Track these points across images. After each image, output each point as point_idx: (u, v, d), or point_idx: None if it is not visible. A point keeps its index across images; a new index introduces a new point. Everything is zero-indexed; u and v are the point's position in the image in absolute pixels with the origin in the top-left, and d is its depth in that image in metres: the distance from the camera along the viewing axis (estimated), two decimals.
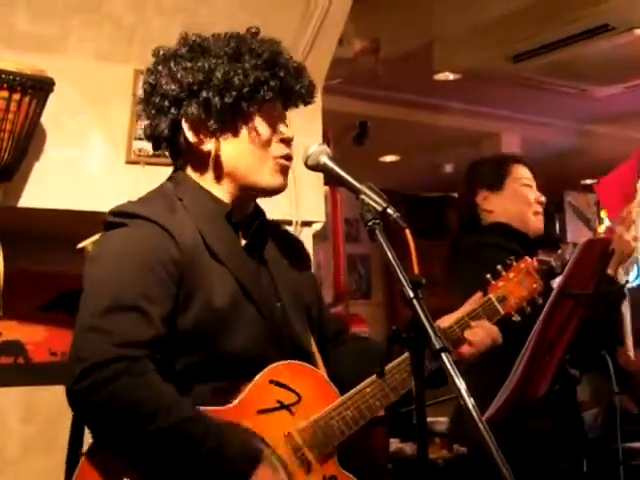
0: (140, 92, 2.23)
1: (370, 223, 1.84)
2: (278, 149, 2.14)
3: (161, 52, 2.15)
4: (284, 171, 2.16)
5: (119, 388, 1.83)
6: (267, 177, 2.13)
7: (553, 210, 9.67)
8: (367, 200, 1.88)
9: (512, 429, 2.64)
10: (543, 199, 3.31)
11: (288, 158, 2.16)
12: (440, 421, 5.30)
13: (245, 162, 2.12)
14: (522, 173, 3.34)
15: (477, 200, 3.33)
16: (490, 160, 3.49)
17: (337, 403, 2.09)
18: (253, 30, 2.16)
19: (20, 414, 3.70)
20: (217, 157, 2.13)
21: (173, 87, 2.08)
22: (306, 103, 2.23)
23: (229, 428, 1.94)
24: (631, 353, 3.19)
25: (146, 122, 2.18)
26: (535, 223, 3.29)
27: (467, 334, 2.19)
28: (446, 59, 6.51)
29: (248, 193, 2.17)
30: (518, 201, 3.28)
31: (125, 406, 1.84)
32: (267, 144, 2.12)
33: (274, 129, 2.14)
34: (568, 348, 2.71)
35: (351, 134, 5.22)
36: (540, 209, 3.31)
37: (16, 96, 2.94)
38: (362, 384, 2.11)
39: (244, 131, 2.11)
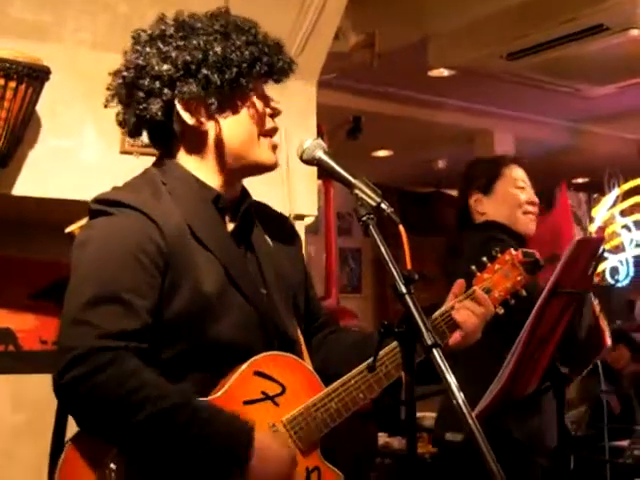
0: (116, 79, 2.14)
1: (364, 218, 1.85)
2: (269, 123, 2.14)
3: (144, 34, 2.11)
4: (274, 149, 2.16)
5: (105, 379, 1.83)
6: (264, 154, 2.13)
7: (544, 208, 9.70)
8: (361, 195, 1.88)
9: (495, 424, 2.65)
10: (535, 200, 3.31)
11: (275, 132, 2.16)
12: (427, 416, 5.33)
13: (243, 139, 2.11)
14: (514, 175, 3.34)
15: (470, 202, 3.34)
16: (483, 162, 3.51)
17: (321, 395, 2.08)
18: (225, 9, 2.14)
19: (10, 402, 3.70)
20: (216, 137, 2.10)
21: (167, 67, 2.03)
22: (285, 79, 2.18)
23: (217, 410, 1.94)
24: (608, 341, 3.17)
25: (120, 108, 2.12)
26: (524, 223, 3.28)
27: (454, 315, 2.14)
28: (441, 55, 6.52)
29: (242, 171, 2.15)
30: (508, 203, 3.29)
31: (112, 397, 1.84)
32: (262, 120, 2.12)
33: (266, 104, 2.14)
34: (558, 346, 2.73)
35: (345, 129, 5.23)
36: (531, 209, 3.30)
37: (12, 84, 2.94)
38: (346, 376, 2.09)
39: (243, 108, 2.10)
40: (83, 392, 1.83)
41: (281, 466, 1.97)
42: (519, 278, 2.27)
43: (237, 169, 2.14)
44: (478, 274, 2.27)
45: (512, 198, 3.28)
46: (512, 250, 2.28)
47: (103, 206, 2.02)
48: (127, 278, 1.93)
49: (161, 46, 2.06)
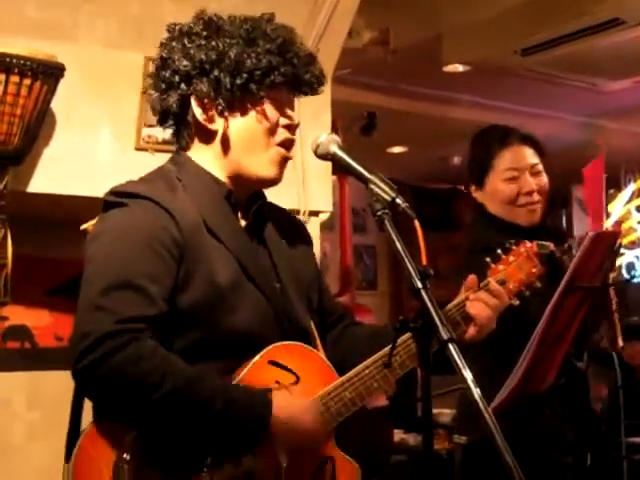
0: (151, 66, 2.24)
1: (379, 213, 1.85)
2: (282, 134, 2.14)
3: (177, 27, 2.17)
4: (282, 163, 2.16)
5: (122, 360, 1.85)
6: (264, 166, 2.14)
7: (560, 204, 9.67)
8: (376, 190, 1.89)
9: (517, 421, 2.65)
10: (530, 187, 3.06)
11: (290, 144, 2.17)
12: (444, 413, 5.32)
13: (250, 144, 2.13)
14: (504, 164, 3.10)
15: (471, 192, 3.23)
16: (476, 149, 3.24)
17: (336, 384, 2.09)
18: (267, 16, 2.17)
19: (25, 399, 3.72)
20: (223, 135, 2.14)
21: (185, 63, 2.09)
22: (314, 92, 2.23)
23: (236, 386, 1.97)
24: (619, 340, 3.12)
25: (154, 95, 2.18)
26: (523, 215, 3.08)
27: (468, 308, 2.16)
28: (455, 51, 6.49)
29: (241, 181, 2.17)
30: (499, 199, 3.10)
31: (130, 376, 1.86)
32: (273, 129, 2.13)
33: (281, 114, 2.15)
34: (574, 341, 2.71)
35: (359, 124, 5.22)
36: (529, 199, 3.08)
37: (27, 81, 2.96)
38: (360, 366, 2.10)
39: (252, 113, 2.12)
40: (101, 374, 1.85)
41: (305, 415, 2.00)
42: (534, 270, 2.28)
43: (240, 176, 2.16)
44: (493, 266, 2.27)
45: (502, 193, 3.08)
46: (527, 242, 2.28)
47: (118, 197, 2.06)
48: (142, 265, 1.96)
49: (186, 42, 2.12)
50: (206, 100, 2.11)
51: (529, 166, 3.10)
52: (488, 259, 2.27)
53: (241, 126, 2.13)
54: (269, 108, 2.13)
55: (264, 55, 2.08)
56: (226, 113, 2.12)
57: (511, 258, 2.28)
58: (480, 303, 2.16)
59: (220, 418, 1.89)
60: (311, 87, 2.20)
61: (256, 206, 2.21)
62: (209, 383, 1.93)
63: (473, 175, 3.19)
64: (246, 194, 2.21)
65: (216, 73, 2.08)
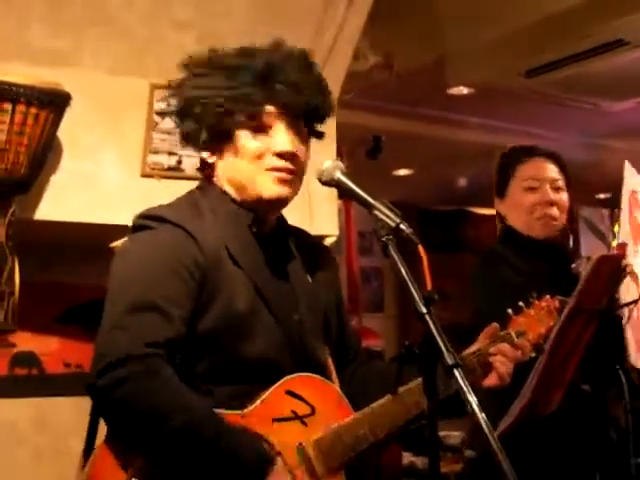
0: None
1: (383, 239, 1.86)
2: (271, 161, 2.13)
3: (188, 64, 2.19)
4: (281, 182, 2.14)
5: (136, 388, 1.86)
6: (264, 188, 2.14)
7: (567, 224, 9.66)
8: (380, 216, 1.89)
9: (524, 444, 2.64)
10: (550, 198, 3.07)
11: (283, 171, 2.14)
12: (452, 435, 5.31)
13: (240, 175, 2.15)
14: (526, 173, 3.13)
15: (495, 205, 3.25)
16: (502, 161, 3.28)
17: (350, 419, 2.11)
18: (277, 42, 2.18)
19: (33, 424, 3.72)
20: (221, 170, 2.18)
21: (177, 102, 2.17)
22: (319, 120, 2.22)
23: (241, 431, 1.96)
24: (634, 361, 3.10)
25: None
26: (539, 227, 3.09)
27: (492, 361, 2.22)
28: (459, 74, 6.52)
29: (253, 206, 2.17)
30: (519, 208, 3.11)
31: (141, 407, 1.87)
32: (259, 157, 2.13)
33: (267, 143, 2.13)
34: (580, 364, 2.71)
35: (365, 148, 5.23)
36: (547, 211, 3.08)
37: (33, 110, 2.97)
38: (376, 402, 2.13)
39: (235, 144, 2.13)
40: (117, 397, 1.87)
41: None
42: (552, 324, 2.35)
43: (247, 202, 2.17)
44: (514, 317, 2.32)
45: (521, 203, 3.10)
46: (549, 297, 2.36)
47: (146, 221, 2.10)
48: (165, 288, 1.99)
49: (185, 80, 2.17)
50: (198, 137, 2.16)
51: (550, 179, 3.12)
52: (510, 310, 2.30)
53: (229, 158, 2.16)
54: (249, 139, 2.12)
55: (239, 87, 2.10)
56: (214, 148, 2.16)
57: (532, 312, 2.36)
58: (503, 357, 2.23)
59: (219, 462, 1.90)
60: (297, 113, 2.16)
61: (278, 238, 2.23)
62: (218, 422, 1.93)
63: (497, 185, 3.22)
64: (269, 222, 2.22)
65: (197, 110, 2.12)
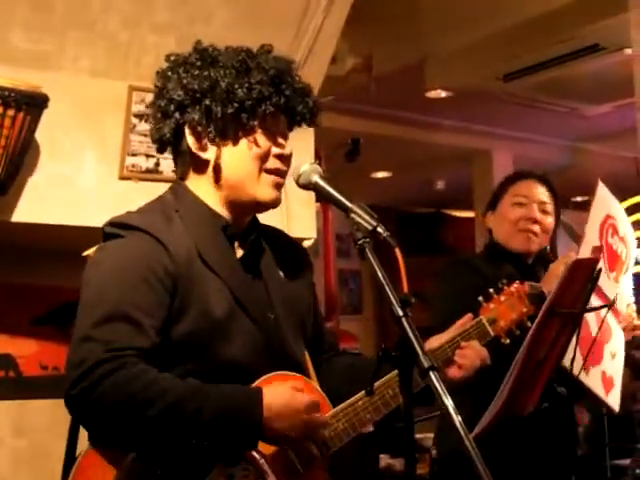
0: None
1: (360, 242, 1.87)
2: (273, 163, 2.16)
3: (173, 58, 2.20)
4: (277, 186, 2.18)
5: (113, 382, 1.86)
6: (261, 190, 2.15)
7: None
8: (357, 219, 1.90)
9: (498, 445, 2.66)
10: (534, 216, 3.19)
11: (281, 174, 2.18)
12: (429, 437, 5.31)
13: (242, 172, 2.15)
14: (517, 190, 3.26)
15: (485, 220, 3.34)
16: (500, 182, 3.41)
17: (329, 415, 2.12)
18: (266, 47, 2.21)
19: (11, 428, 3.70)
20: (217, 165, 2.16)
21: (179, 92, 2.12)
22: (309, 124, 2.26)
23: (214, 388, 1.96)
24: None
25: (151, 124, 2.22)
26: (519, 241, 3.20)
27: (457, 357, 2.26)
28: (438, 77, 6.56)
29: (242, 206, 2.19)
30: (505, 220, 3.23)
31: (120, 399, 1.87)
32: (265, 157, 2.15)
33: (273, 144, 2.16)
34: (556, 367, 2.73)
35: (343, 150, 5.23)
36: (529, 226, 3.19)
37: (10, 112, 2.97)
38: (355, 397, 2.14)
39: (244, 141, 2.14)
40: (93, 399, 1.87)
41: (295, 398, 2.00)
42: (524, 310, 2.37)
43: (237, 202, 2.18)
44: (484, 304, 2.33)
45: (507, 216, 3.22)
46: (518, 282, 2.38)
47: (115, 229, 2.09)
48: (136, 298, 1.99)
49: (180, 72, 2.15)
50: (199, 129, 2.13)
51: (539, 201, 3.25)
52: (480, 298, 2.32)
53: (233, 155, 2.15)
54: (260, 137, 2.14)
55: (256, 85, 2.10)
56: (218, 141, 2.14)
57: (502, 298, 2.37)
58: (472, 352, 2.28)
59: (213, 428, 1.90)
60: (304, 119, 2.23)
61: (253, 236, 2.24)
62: (197, 395, 1.92)
63: (490, 201, 3.34)
64: (243, 224, 2.23)
65: (207, 102, 2.10)
